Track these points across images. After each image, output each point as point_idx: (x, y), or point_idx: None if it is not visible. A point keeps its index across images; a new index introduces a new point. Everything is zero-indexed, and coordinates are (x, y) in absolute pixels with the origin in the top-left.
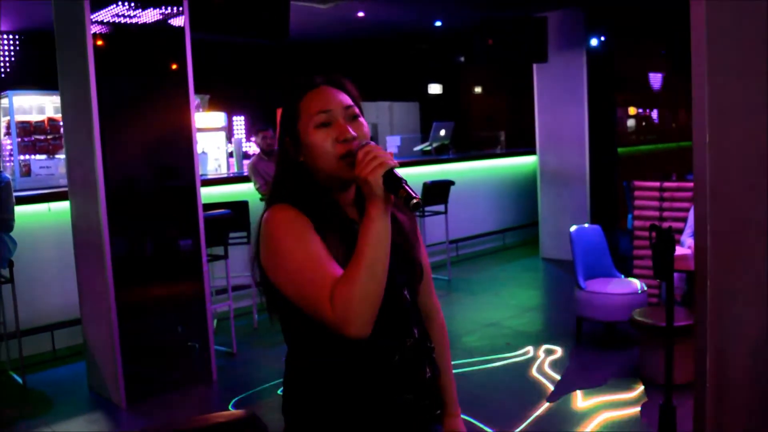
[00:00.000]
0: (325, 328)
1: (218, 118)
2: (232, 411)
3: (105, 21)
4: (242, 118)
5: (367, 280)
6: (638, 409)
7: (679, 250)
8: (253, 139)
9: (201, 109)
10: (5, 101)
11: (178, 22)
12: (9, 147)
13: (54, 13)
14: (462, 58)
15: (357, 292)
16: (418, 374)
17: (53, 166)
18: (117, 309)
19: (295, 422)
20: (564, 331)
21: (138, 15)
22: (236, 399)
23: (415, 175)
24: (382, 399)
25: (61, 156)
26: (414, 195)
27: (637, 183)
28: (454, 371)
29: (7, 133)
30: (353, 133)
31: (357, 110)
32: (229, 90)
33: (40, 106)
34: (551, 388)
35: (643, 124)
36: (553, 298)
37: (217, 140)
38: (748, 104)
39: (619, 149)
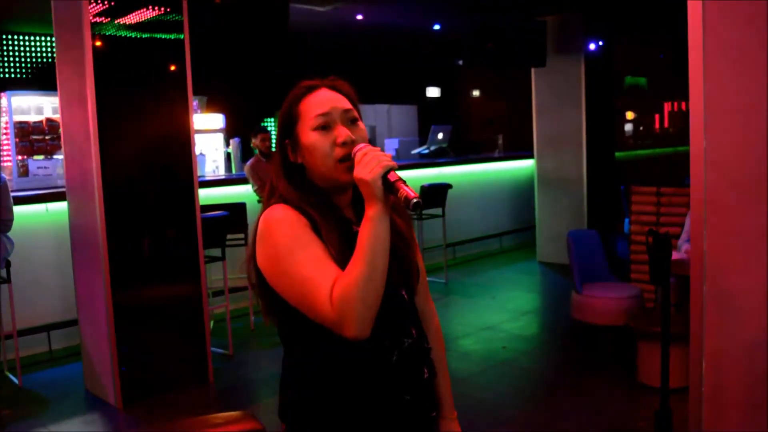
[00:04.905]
0: (323, 329)
1: (216, 119)
2: (228, 412)
3: (104, 22)
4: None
5: (366, 280)
6: (634, 413)
7: (676, 255)
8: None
9: (199, 111)
10: (3, 101)
11: (178, 23)
12: (7, 147)
13: (53, 13)
14: (460, 62)
15: (357, 293)
16: (415, 374)
17: (51, 167)
18: (114, 310)
19: (293, 424)
20: (560, 334)
21: (137, 16)
22: (233, 400)
23: (412, 179)
24: (381, 399)
25: (59, 156)
26: (414, 195)
27: (635, 187)
28: (450, 374)
29: (5, 134)
30: (352, 136)
31: (356, 113)
32: (228, 92)
33: (38, 106)
34: (547, 391)
35: (641, 128)
36: (550, 302)
37: (215, 142)
38: (745, 108)
39: (617, 153)
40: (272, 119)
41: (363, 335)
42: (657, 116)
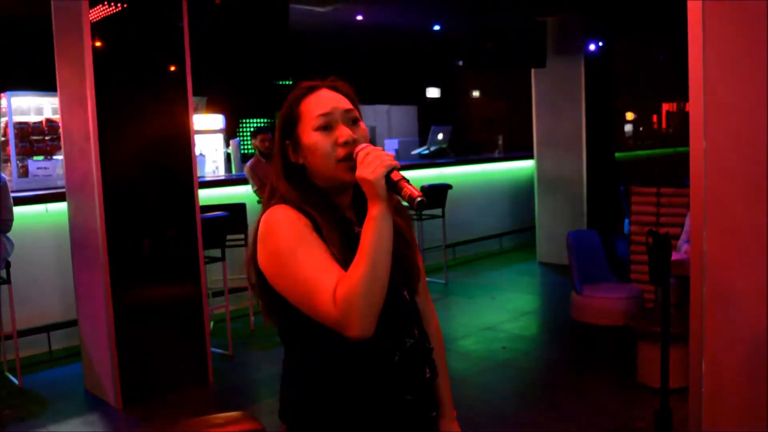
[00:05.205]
0: (323, 329)
1: (216, 120)
2: (228, 413)
3: (104, 21)
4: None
5: (370, 280)
6: (634, 413)
7: (676, 255)
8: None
9: (199, 111)
10: (3, 102)
11: (177, 23)
12: (7, 148)
13: (53, 12)
14: (460, 62)
15: (361, 292)
16: (417, 374)
17: (51, 167)
18: (114, 310)
19: (294, 424)
20: (560, 335)
21: (137, 16)
22: (233, 401)
23: (412, 179)
24: (382, 399)
25: (59, 157)
26: (418, 193)
27: (635, 188)
28: (449, 374)
29: (5, 134)
30: (354, 136)
31: (357, 114)
32: (227, 92)
33: (38, 107)
34: (547, 392)
35: (641, 128)
36: (550, 302)
37: (215, 142)
38: (745, 108)
39: (617, 154)
40: (268, 119)
41: (366, 335)
42: (657, 116)
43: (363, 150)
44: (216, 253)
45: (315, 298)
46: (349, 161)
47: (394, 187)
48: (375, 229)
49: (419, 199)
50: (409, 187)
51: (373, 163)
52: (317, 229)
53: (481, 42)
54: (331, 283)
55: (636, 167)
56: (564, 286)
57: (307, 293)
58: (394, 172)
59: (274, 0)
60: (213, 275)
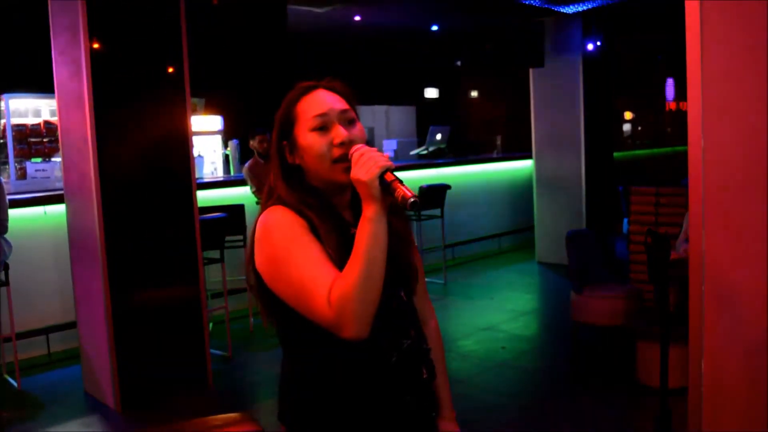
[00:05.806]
0: (322, 330)
1: (214, 121)
2: (227, 414)
3: (102, 22)
4: (219, 117)
5: (365, 280)
6: (634, 413)
7: (674, 255)
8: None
9: (197, 113)
10: (1, 104)
11: (175, 24)
12: (5, 150)
13: (50, 13)
14: (459, 63)
15: (355, 293)
16: (415, 375)
17: (49, 169)
18: (112, 312)
19: (293, 425)
20: (559, 335)
21: (135, 17)
22: (232, 403)
23: (411, 179)
24: (381, 400)
25: (57, 159)
26: (411, 194)
27: (634, 188)
28: (449, 375)
29: (3, 137)
30: (350, 136)
31: (353, 114)
32: (225, 93)
33: (36, 109)
34: (546, 392)
35: (639, 128)
36: (549, 303)
37: (214, 143)
38: (744, 108)
39: (615, 154)
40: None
41: (361, 336)
42: (656, 116)
43: (358, 151)
44: (215, 254)
45: (310, 299)
46: (345, 162)
47: (387, 188)
48: (369, 231)
49: (412, 199)
50: (402, 188)
51: (367, 164)
52: (314, 230)
53: (479, 42)
54: (326, 285)
55: (634, 167)
56: (563, 286)
57: (302, 295)
58: (388, 173)
59: (273, 1)
60: (212, 276)
